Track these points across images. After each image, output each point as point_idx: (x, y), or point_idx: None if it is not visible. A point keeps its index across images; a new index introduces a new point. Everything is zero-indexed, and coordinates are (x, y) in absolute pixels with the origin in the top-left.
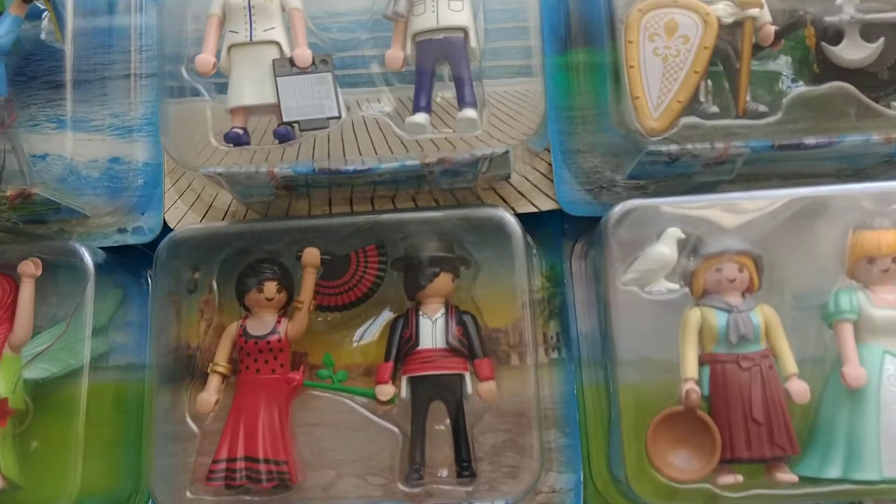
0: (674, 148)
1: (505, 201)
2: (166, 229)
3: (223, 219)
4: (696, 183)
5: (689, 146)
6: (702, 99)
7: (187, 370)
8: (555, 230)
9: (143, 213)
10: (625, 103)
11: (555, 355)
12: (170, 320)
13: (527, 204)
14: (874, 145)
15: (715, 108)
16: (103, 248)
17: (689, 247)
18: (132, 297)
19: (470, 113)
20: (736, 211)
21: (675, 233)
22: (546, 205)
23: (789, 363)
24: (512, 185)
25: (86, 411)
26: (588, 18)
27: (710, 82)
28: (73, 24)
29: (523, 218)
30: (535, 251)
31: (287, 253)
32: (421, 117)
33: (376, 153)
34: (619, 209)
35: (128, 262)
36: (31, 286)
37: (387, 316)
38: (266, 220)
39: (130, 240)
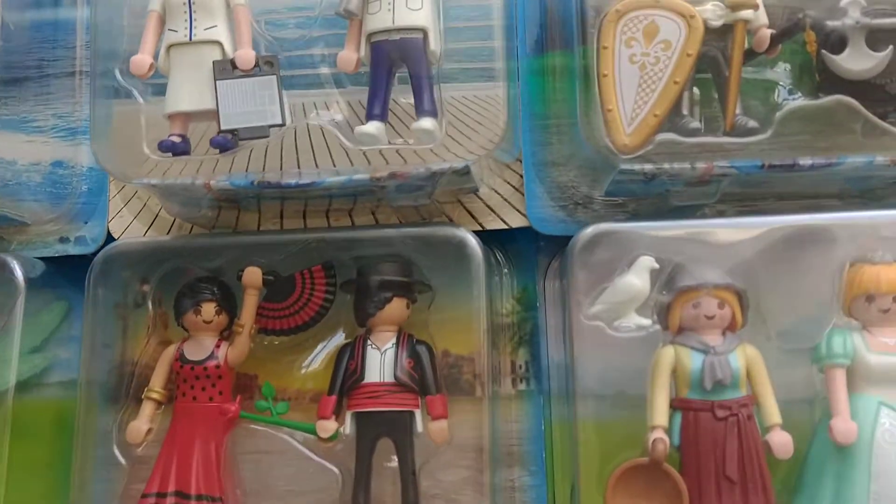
0: (648, 167)
1: (473, 217)
2: (110, 239)
3: (168, 231)
4: (677, 204)
5: (666, 166)
6: (684, 111)
7: (127, 390)
8: (529, 248)
9: (86, 222)
10: (595, 116)
11: (523, 386)
12: (111, 336)
13: (496, 220)
14: (879, 167)
15: (696, 124)
16: (46, 259)
17: (663, 278)
18: (77, 310)
19: (426, 123)
20: (718, 239)
21: (647, 262)
22: (517, 221)
23: (772, 412)
24: (480, 199)
25: (22, 431)
26: (565, 18)
27: (697, 92)
28: (11, 17)
29: (495, 234)
30: (506, 271)
31: (231, 271)
32: (373, 126)
33: (333, 164)
34: (586, 233)
35: (73, 272)
36: None
37: (340, 340)
38: (207, 235)
39: (72, 250)
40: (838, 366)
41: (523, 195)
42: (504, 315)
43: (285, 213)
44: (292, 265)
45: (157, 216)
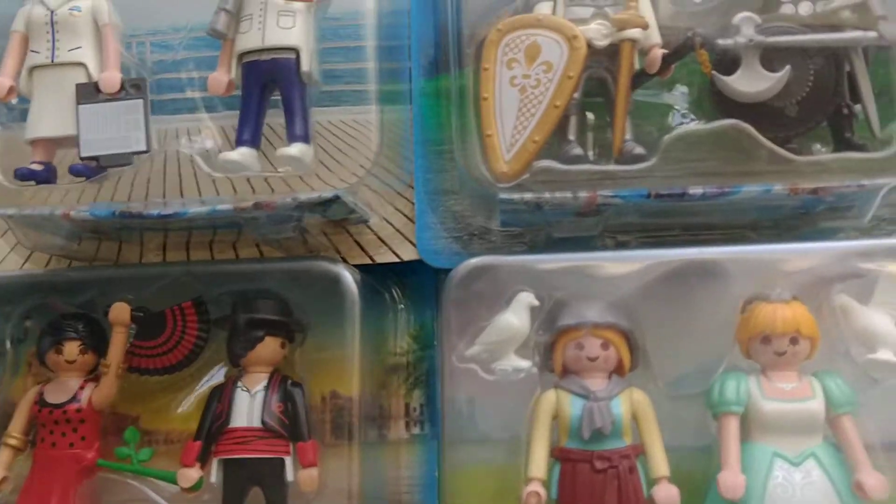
0: (528, 196)
1: (363, 249)
2: None
3: (47, 263)
4: (558, 236)
5: (547, 195)
6: (570, 137)
7: None
8: (427, 282)
9: None
10: (472, 141)
11: (417, 430)
12: None
13: (388, 252)
14: (778, 197)
15: (578, 150)
16: None
17: (542, 316)
18: None
19: (293, 150)
20: (604, 273)
21: (526, 299)
22: (410, 254)
23: (659, 464)
24: (371, 230)
25: None
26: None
27: (591, 116)
28: None
29: (392, 267)
30: (402, 306)
31: (102, 307)
32: (238, 153)
33: (199, 193)
34: (461, 268)
35: None
36: None
37: (221, 378)
38: (74, 269)
39: None
40: (731, 413)
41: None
42: (398, 354)
43: (168, 246)
44: (164, 300)
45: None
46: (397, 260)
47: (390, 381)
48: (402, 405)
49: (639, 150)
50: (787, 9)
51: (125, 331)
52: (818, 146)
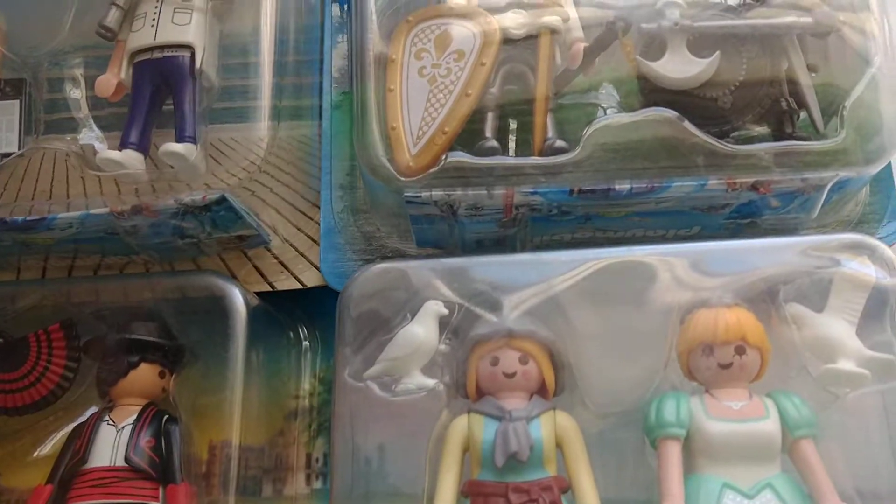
0: (437, 193)
1: (262, 275)
2: None
3: None
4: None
5: (459, 192)
6: (487, 134)
7: None
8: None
9: None
10: (370, 135)
11: (319, 484)
12: None
13: (290, 278)
14: (714, 191)
15: (493, 143)
16: None
17: (451, 326)
18: None
19: (175, 147)
20: (522, 278)
21: (434, 308)
22: (314, 279)
23: (587, 497)
24: (272, 254)
25: None
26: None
27: (513, 123)
28: None
29: (297, 298)
30: (306, 343)
31: None
32: (121, 154)
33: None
34: (360, 277)
35: None
36: None
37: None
38: None
39: None
40: (671, 437)
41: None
42: (300, 397)
43: (49, 270)
44: (25, 325)
45: None
46: (300, 286)
47: (290, 428)
48: (304, 455)
49: (560, 143)
50: None
51: None
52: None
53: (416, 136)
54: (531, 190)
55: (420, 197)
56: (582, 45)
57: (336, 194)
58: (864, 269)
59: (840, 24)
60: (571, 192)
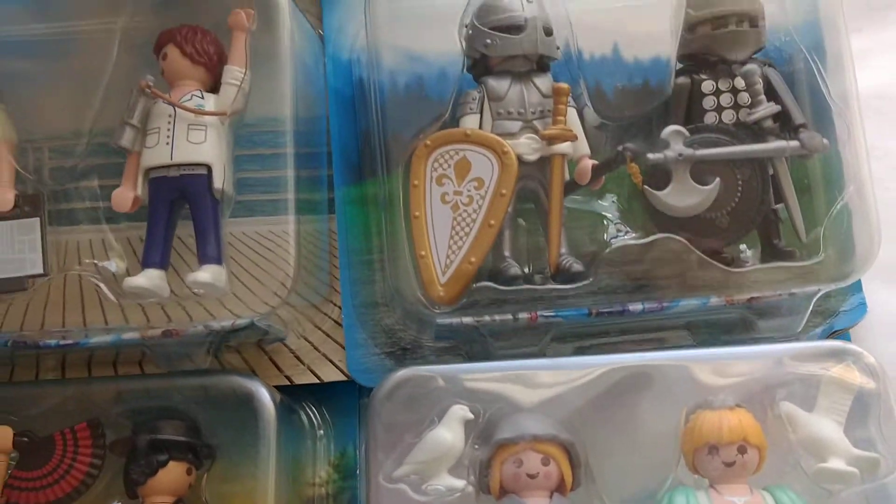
0: (468, 321)
1: (279, 370)
2: None
3: None
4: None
5: (487, 318)
6: (506, 252)
7: None
8: (349, 404)
9: None
10: (402, 260)
11: None
12: None
13: (306, 372)
14: (715, 308)
15: (516, 270)
16: None
17: (477, 430)
18: None
19: (203, 275)
20: (540, 384)
21: (460, 412)
22: (331, 374)
23: None
24: (288, 348)
25: None
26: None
27: (522, 223)
28: None
29: (310, 388)
30: (321, 432)
31: None
32: (145, 278)
33: (105, 320)
34: (388, 382)
35: None
36: None
37: None
38: None
39: None
40: None
41: (337, 343)
42: (317, 485)
43: (68, 364)
44: (52, 423)
45: None
46: (317, 381)
47: None
48: None
49: (577, 266)
50: (710, 118)
51: (6, 458)
52: (744, 248)
53: (444, 265)
54: (552, 314)
55: (451, 324)
56: (590, 163)
57: (354, 289)
58: (849, 374)
59: (825, 147)
60: (590, 313)
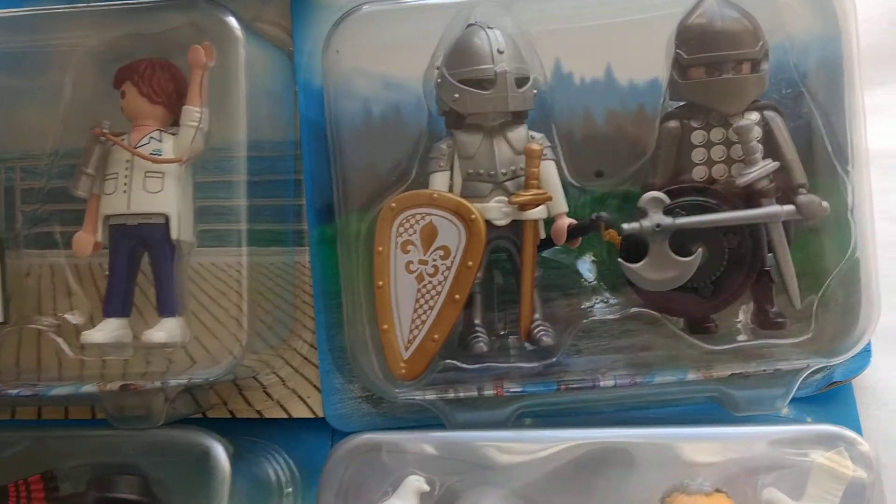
0: (430, 397)
1: (249, 404)
2: None
3: None
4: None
5: (451, 395)
6: (476, 320)
7: None
8: (322, 452)
9: None
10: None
11: None
12: None
13: (276, 407)
14: (692, 384)
15: (482, 345)
16: None
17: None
18: None
19: (157, 336)
20: (505, 453)
21: (415, 484)
22: (301, 411)
23: None
24: (259, 382)
25: None
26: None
27: (499, 279)
28: None
29: (280, 434)
30: (289, 490)
31: None
32: (104, 332)
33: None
34: (341, 448)
35: None
36: None
37: None
38: None
39: None
40: None
41: (307, 379)
42: None
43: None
44: (6, 473)
45: None
46: (285, 416)
47: None
48: None
49: (546, 340)
50: (699, 172)
51: None
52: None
53: (406, 340)
54: (519, 389)
55: (414, 399)
56: (566, 223)
57: (330, 333)
58: (841, 462)
59: (824, 211)
60: (559, 387)
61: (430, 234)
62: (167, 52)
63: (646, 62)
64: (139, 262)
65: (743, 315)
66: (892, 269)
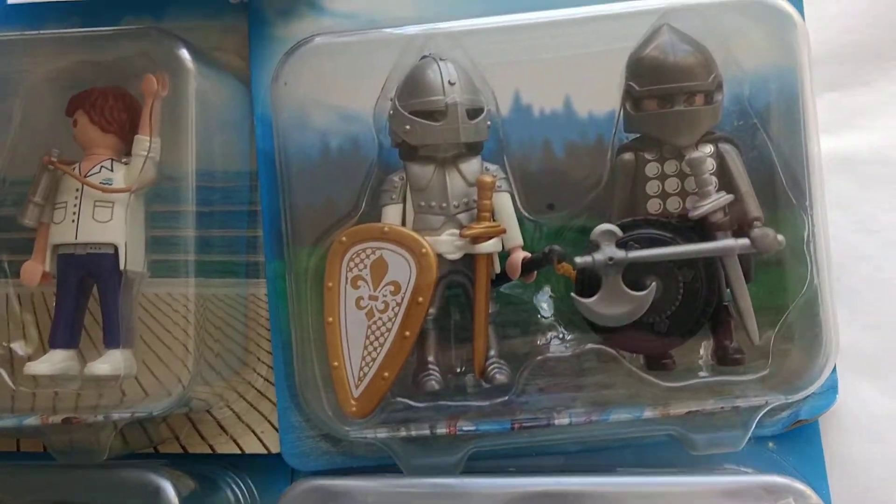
0: (382, 435)
1: (203, 438)
2: None
3: None
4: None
5: (402, 433)
6: (429, 358)
7: None
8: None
9: None
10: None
11: None
12: None
13: (229, 442)
14: (650, 422)
15: (433, 383)
16: None
17: None
18: None
19: (100, 368)
20: (457, 499)
21: None
22: (254, 446)
23: None
24: (213, 416)
25: None
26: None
27: (456, 317)
28: None
29: (233, 465)
30: None
31: None
32: (48, 363)
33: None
34: (289, 493)
35: None
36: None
37: None
38: None
39: None
40: None
41: (261, 414)
42: None
43: None
44: None
45: None
46: (238, 451)
47: None
48: None
49: (500, 378)
50: (653, 205)
51: None
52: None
53: (357, 378)
54: (473, 428)
55: (364, 437)
56: (521, 256)
57: (287, 370)
58: None
59: (779, 245)
60: (512, 426)
61: (380, 269)
62: (119, 81)
63: (605, 94)
64: (89, 293)
65: (703, 351)
66: (868, 285)
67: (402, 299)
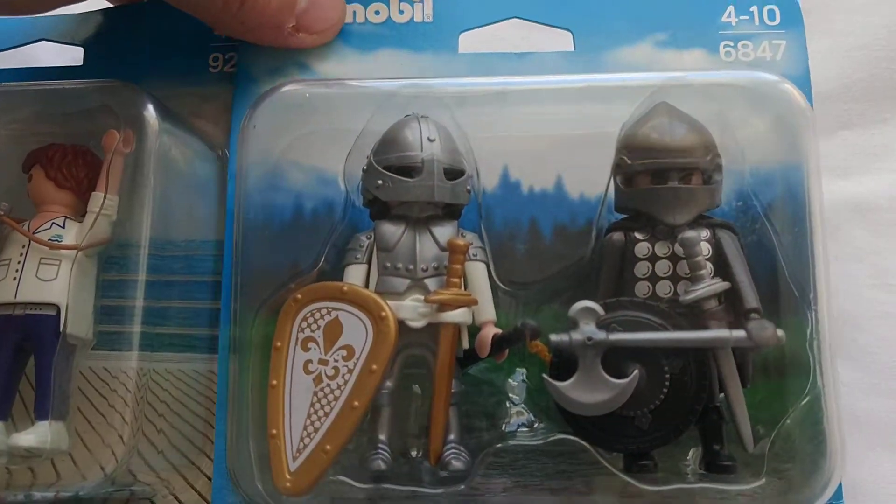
0: None
1: None
2: None
3: None
4: None
5: None
6: (381, 436)
7: None
8: None
9: None
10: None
11: None
12: None
13: None
14: None
15: (380, 463)
16: None
17: None
18: None
19: (25, 439)
20: None
21: None
22: None
23: None
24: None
25: None
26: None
27: (417, 389)
28: None
29: None
30: None
31: None
32: None
33: None
34: None
35: None
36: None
37: None
38: None
39: None
40: None
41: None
42: None
43: None
44: None
45: None
46: None
47: None
48: None
49: (456, 464)
50: (641, 288)
51: None
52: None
53: (296, 449)
54: None
55: None
56: (492, 332)
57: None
58: None
59: (778, 340)
60: None
61: (334, 332)
62: (83, 136)
63: (598, 176)
64: (26, 360)
65: (691, 455)
66: (885, 345)
67: (355, 366)
